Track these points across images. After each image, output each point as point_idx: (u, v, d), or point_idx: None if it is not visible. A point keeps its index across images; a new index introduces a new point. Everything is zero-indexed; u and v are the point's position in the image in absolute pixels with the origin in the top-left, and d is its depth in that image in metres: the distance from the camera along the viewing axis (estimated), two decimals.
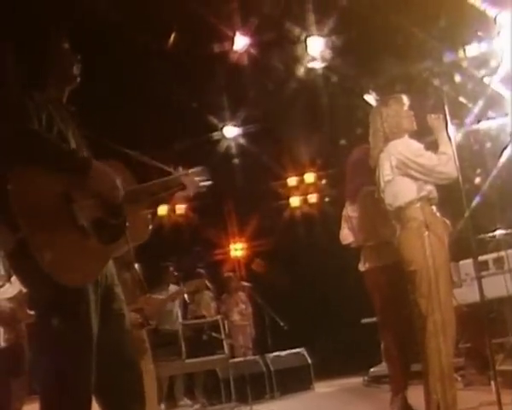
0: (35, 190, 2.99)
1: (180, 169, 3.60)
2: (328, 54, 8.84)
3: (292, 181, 12.76)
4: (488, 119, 7.93)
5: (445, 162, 4.68)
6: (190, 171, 3.60)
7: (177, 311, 9.25)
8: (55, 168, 3.03)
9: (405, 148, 4.78)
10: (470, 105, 6.87)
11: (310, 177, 12.67)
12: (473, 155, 7.65)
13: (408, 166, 4.73)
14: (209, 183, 3.65)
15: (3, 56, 3.35)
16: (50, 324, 3.01)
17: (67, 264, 2.98)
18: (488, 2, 7.20)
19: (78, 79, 3.38)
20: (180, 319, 9.12)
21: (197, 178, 3.63)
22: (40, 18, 3.58)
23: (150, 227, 3.36)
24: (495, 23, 7.34)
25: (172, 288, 8.95)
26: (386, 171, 4.81)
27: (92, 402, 3.12)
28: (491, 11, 7.27)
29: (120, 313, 3.30)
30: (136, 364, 3.33)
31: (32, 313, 5.73)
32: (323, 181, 12.55)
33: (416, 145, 4.81)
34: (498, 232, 6.45)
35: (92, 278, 3.10)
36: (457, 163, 4.68)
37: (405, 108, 4.92)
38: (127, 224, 3.17)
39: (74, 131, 3.27)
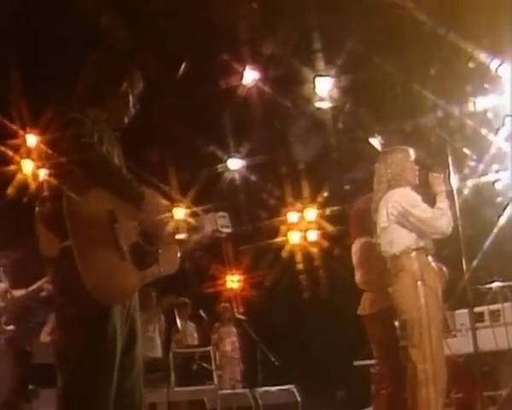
0: (87, 203, 3.07)
1: (211, 214, 3.65)
2: (336, 94, 8.88)
3: (292, 217, 12.74)
4: (490, 173, 7.95)
5: (439, 217, 4.72)
6: (217, 214, 3.63)
7: (158, 339, 9.20)
8: (112, 190, 3.13)
9: (402, 197, 4.84)
10: (474, 158, 6.89)
11: (310, 213, 12.66)
12: (474, 207, 7.66)
13: (403, 216, 4.78)
14: (229, 230, 3.65)
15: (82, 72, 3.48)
16: (76, 335, 3.11)
17: (104, 280, 3.08)
18: (490, 54, 7.25)
19: (127, 121, 3.50)
20: (160, 348, 9.06)
21: (219, 222, 3.62)
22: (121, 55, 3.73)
23: (179, 259, 3.46)
24: (499, 76, 7.40)
25: None
26: (382, 217, 4.88)
27: None
28: (493, 64, 7.31)
29: (137, 340, 3.37)
30: (138, 391, 3.36)
31: (8, 328, 5.68)
32: (324, 218, 12.53)
33: (414, 196, 4.88)
34: (495, 284, 6.45)
35: (124, 299, 3.22)
36: (458, 214, 4.73)
37: (410, 159, 4.99)
38: (159, 252, 3.26)
39: (119, 154, 3.39)
